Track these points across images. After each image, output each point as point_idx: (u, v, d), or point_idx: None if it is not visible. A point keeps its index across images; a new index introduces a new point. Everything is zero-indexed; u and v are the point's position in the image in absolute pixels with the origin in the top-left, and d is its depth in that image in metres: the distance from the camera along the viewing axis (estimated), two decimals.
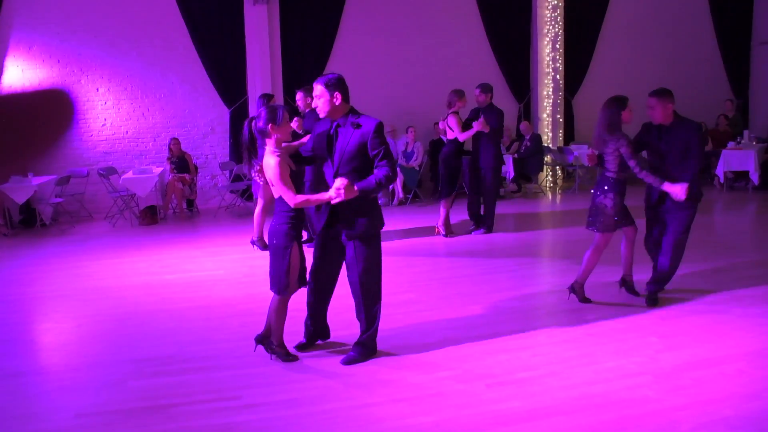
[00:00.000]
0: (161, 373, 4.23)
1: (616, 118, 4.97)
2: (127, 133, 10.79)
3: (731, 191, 11.10)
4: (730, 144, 11.33)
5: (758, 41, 13.61)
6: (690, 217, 5.07)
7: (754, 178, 10.61)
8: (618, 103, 5.01)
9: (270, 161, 4.08)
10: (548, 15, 12.35)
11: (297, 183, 4.25)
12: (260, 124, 4.09)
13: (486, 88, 8.07)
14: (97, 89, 10.52)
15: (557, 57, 12.44)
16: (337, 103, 4.11)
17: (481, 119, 7.77)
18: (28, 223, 9.72)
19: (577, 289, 5.36)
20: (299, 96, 7.79)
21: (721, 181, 11.11)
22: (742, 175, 11.05)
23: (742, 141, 11.42)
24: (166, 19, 10.56)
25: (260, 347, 4.42)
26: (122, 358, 4.53)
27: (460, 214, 8.75)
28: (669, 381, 3.87)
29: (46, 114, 10.32)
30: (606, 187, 5.07)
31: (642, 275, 5.51)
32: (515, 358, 4.29)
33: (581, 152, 11.51)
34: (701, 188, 5.10)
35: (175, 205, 10.44)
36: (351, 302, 4.38)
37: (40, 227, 9.59)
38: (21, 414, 3.75)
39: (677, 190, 4.83)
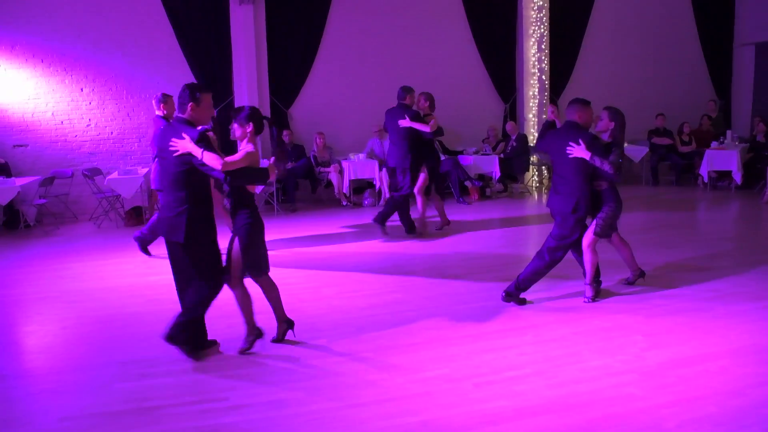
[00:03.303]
0: (147, 375, 4.20)
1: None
2: (112, 133, 10.70)
3: (714, 190, 11.23)
4: (714, 144, 11.44)
5: (740, 43, 13.78)
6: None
7: (737, 177, 10.74)
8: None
9: None
10: (534, 16, 12.41)
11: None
12: None
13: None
14: (82, 89, 10.43)
15: (543, 58, 12.50)
16: None
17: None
18: (11, 224, 9.60)
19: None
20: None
21: (705, 180, 11.24)
22: (725, 175, 11.17)
23: (725, 141, 11.55)
24: (150, 18, 10.48)
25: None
26: (107, 360, 4.49)
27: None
28: (654, 379, 3.90)
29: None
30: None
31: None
32: (502, 357, 4.31)
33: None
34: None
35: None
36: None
37: (24, 229, 9.49)
38: (3, 418, 3.70)
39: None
